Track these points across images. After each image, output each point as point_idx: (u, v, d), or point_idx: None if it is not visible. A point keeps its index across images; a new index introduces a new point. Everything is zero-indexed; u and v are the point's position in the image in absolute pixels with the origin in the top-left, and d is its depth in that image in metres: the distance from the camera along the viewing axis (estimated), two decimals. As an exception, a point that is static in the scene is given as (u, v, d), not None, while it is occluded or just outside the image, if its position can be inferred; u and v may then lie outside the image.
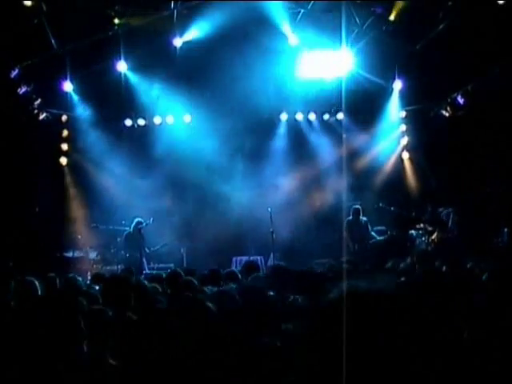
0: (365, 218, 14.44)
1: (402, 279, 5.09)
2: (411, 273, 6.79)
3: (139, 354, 4.18)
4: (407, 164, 16.50)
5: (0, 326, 4.43)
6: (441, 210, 15.02)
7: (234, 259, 15.08)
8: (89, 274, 13.07)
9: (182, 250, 15.53)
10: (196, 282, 6.93)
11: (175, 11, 13.95)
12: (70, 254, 15.09)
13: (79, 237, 15.49)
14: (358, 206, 14.51)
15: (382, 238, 14.57)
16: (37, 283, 6.60)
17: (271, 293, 5.64)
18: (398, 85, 15.57)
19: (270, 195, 15.65)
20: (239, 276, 7.69)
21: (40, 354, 3.78)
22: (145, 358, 4.00)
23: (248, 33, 14.15)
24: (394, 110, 16.14)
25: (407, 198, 16.06)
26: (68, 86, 15.31)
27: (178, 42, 14.75)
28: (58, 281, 7.56)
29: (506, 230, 13.06)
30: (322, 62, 15.04)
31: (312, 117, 16.56)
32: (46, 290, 6.75)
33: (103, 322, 5.00)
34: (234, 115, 15.61)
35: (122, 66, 15.25)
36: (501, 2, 11.84)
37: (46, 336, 3.85)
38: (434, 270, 5.42)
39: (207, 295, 5.77)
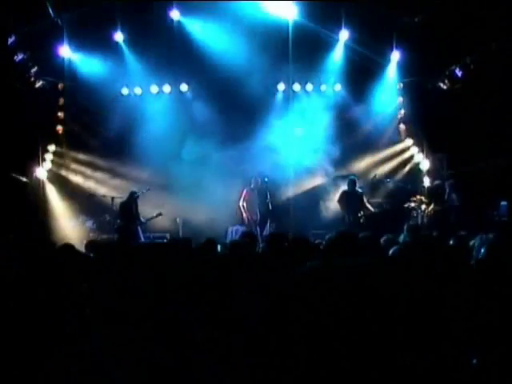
0: (360, 190, 14.47)
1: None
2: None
3: (136, 319, 4.23)
4: (404, 136, 16.47)
5: (3, 293, 4.48)
6: (437, 182, 15.04)
7: (229, 229, 15.15)
8: (84, 242, 13.12)
9: (177, 220, 15.59)
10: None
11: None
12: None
13: (75, 205, 15.56)
14: (354, 177, 14.52)
15: (377, 210, 14.60)
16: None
17: None
18: (395, 56, 15.49)
19: (266, 165, 15.58)
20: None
21: (42, 319, 3.84)
22: (144, 323, 4.05)
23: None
24: (392, 82, 16.08)
25: (403, 171, 16.10)
26: (65, 52, 15.27)
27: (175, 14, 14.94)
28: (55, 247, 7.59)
29: (502, 203, 13.08)
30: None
31: (309, 87, 16.48)
32: (44, 255, 6.78)
33: (98, 288, 5.05)
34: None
35: (118, 36, 15.26)
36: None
37: (47, 301, 3.90)
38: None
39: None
